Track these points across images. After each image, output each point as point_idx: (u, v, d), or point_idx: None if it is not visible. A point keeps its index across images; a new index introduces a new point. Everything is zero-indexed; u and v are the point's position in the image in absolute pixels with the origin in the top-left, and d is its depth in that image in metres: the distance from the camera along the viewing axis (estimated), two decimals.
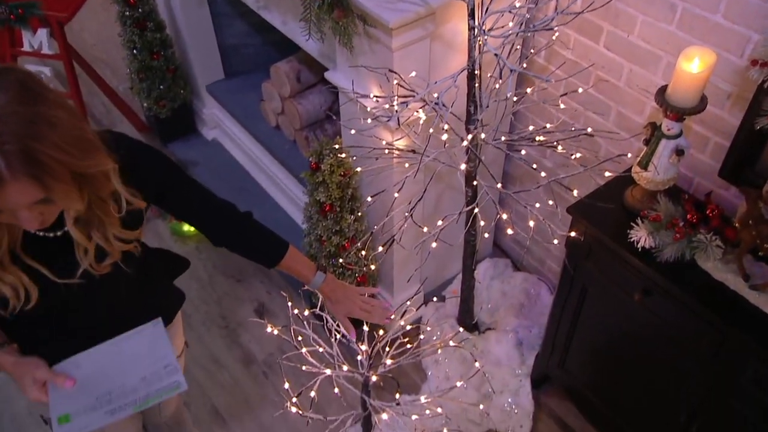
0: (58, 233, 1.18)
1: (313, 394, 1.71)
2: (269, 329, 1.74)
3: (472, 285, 2.39)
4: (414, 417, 1.77)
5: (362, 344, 1.70)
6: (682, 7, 1.69)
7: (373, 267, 2.13)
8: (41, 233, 1.17)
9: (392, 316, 1.61)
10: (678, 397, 1.80)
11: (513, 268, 2.86)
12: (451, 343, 1.89)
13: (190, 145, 3.46)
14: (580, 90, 1.87)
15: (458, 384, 1.90)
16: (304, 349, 1.74)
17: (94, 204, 1.13)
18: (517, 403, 2.39)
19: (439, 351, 2.52)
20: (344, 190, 2.10)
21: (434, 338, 2.56)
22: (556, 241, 1.81)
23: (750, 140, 1.67)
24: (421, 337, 1.96)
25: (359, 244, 2.14)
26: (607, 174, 1.78)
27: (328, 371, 1.72)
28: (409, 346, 1.78)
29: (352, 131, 1.93)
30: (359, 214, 2.20)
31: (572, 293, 1.98)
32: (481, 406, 2.32)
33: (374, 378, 1.69)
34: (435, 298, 2.62)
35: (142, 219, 1.26)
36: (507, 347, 2.51)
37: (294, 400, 1.77)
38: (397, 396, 1.75)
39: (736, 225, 1.55)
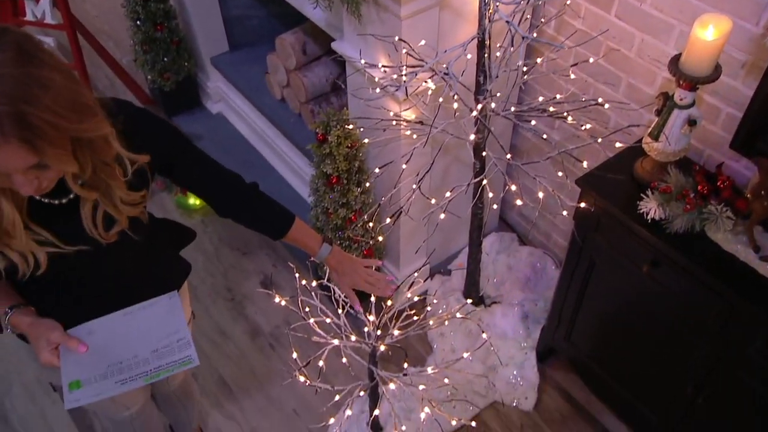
0: (64, 200, 1.17)
1: (321, 363, 1.71)
2: (277, 300, 1.74)
3: (478, 258, 2.39)
4: (421, 387, 1.78)
5: (370, 315, 1.70)
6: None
7: (380, 239, 2.11)
8: (47, 200, 1.16)
9: (396, 289, 1.60)
10: (684, 368, 1.80)
11: (519, 242, 2.86)
12: (458, 315, 1.89)
13: (195, 119, 3.44)
14: (591, 60, 1.84)
15: (465, 355, 1.91)
16: (311, 320, 1.74)
17: (98, 169, 1.12)
18: (523, 376, 2.40)
19: (446, 323, 2.52)
20: (351, 162, 2.09)
21: (440, 311, 2.56)
22: (565, 213, 1.79)
23: (764, 110, 1.63)
24: (428, 309, 1.95)
25: (366, 217, 2.13)
26: (617, 145, 1.76)
27: (335, 341, 1.73)
28: (415, 318, 1.79)
29: (361, 100, 1.91)
30: (366, 186, 2.18)
31: (580, 266, 1.97)
32: (489, 377, 2.33)
33: (382, 348, 1.69)
34: (446, 268, 2.63)
35: (148, 182, 1.25)
36: (512, 320, 2.51)
37: (302, 369, 1.76)
38: (405, 365, 1.75)
39: (748, 196, 1.54)
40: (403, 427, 1.84)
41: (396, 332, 1.73)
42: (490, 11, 1.61)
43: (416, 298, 1.72)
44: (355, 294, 1.62)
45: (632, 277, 1.81)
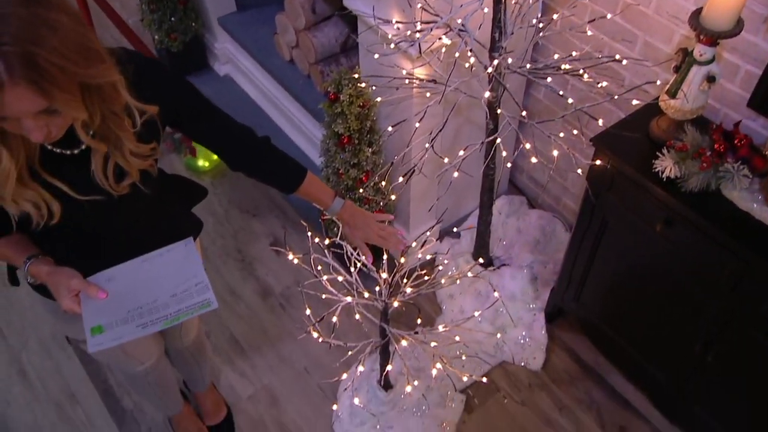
0: (75, 151, 1.17)
1: (334, 319, 1.72)
2: (290, 257, 1.74)
3: (488, 220, 2.38)
4: (433, 344, 1.79)
5: (383, 272, 1.70)
6: None
7: (393, 197, 2.10)
8: (58, 150, 1.15)
9: (407, 248, 1.60)
10: (695, 327, 1.81)
11: (528, 205, 2.85)
12: (469, 275, 1.89)
13: (203, 81, 3.41)
14: (608, 16, 1.80)
15: (475, 314, 1.92)
16: (324, 277, 1.74)
17: (107, 119, 1.11)
18: (531, 336, 2.41)
19: (458, 281, 2.53)
20: (363, 122, 2.07)
21: (450, 273, 2.56)
22: (579, 171, 1.78)
23: None
24: (439, 268, 1.96)
25: (378, 177, 2.11)
26: (634, 102, 1.74)
27: (348, 299, 1.73)
28: (426, 278, 1.78)
29: (373, 59, 1.88)
30: (378, 146, 2.17)
31: (592, 225, 1.96)
32: (499, 335, 2.34)
33: (395, 304, 1.70)
34: (456, 231, 2.62)
35: (158, 134, 1.24)
36: (521, 282, 2.51)
37: (315, 325, 1.77)
38: (419, 321, 1.76)
39: (766, 153, 1.52)
40: (415, 382, 1.86)
41: (408, 290, 1.73)
42: None
43: (428, 257, 1.71)
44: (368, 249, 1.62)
45: (645, 237, 1.80)
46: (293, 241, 2.78)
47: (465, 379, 2.15)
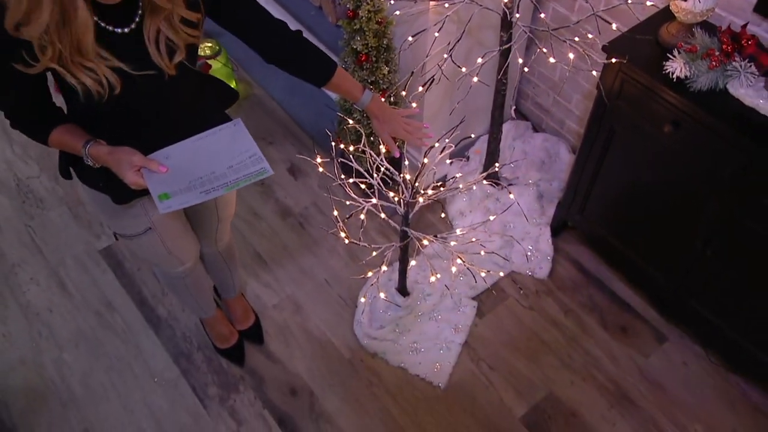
0: (127, 30, 1.17)
1: (362, 217, 1.74)
2: (318, 160, 1.75)
3: (498, 138, 2.38)
4: (453, 243, 1.82)
5: (406, 173, 1.71)
6: None
7: (414, 105, 2.06)
8: (111, 28, 1.16)
9: (430, 137, 1.59)
10: (695, 225, 1.84)
11: (533, 130, 2.85)
12: (484, 182, 1.91)
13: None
14: None
15: (491, 218, 1.94)
16: (351, 179, 1.76)
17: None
18: (537, 249, 2.44)
19: (464, 199, 2.55)
20: (380, 39, 2.05)
21: (461, 190, 2.58)
22: (595, 72, 1.77)
23: None
24: (459, 175, 1.97)
25: (397, 89, 2.08)
26: (648, 3, 1.71)
27: (373, 200, 1.75)
28: (442, 189, 1.79)
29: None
30: (394, 65, 2.15)
31: (600, 135, 1.97)
32: (507, 249, 2.37)
33: (420, 201, 1.71)
34: (465, 154, 2.63)
35: (201, 11, 1.24)
36: (528, 199, 2.53)
37: (342, 225, 1.79)
38: (442, 215, 1.77)
39: None
40: (438, 275, 1.88)
41: (429, 191, 1.75)
42: None
43: (452, 162, 1.71)
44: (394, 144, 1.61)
45: (651, 141, 1.81)
46: (309, 166, 2.79)
47: (482, 275, 2.16)
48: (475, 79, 1.78)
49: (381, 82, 2.15)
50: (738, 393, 2.11)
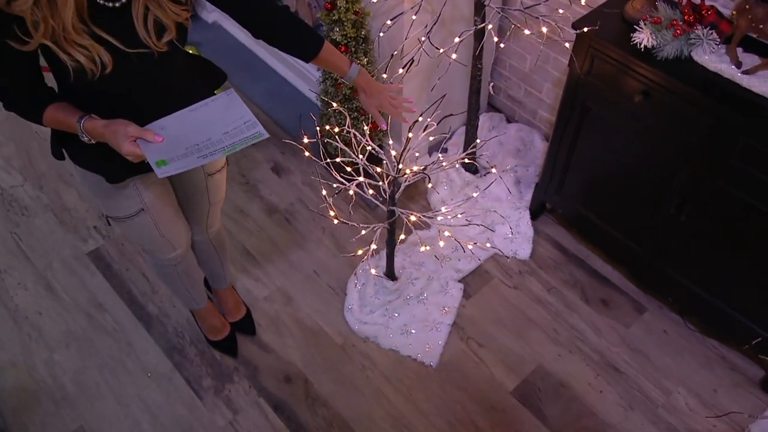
0: (117, 4, 1.17)
1: (351, 192, 1.73)
2: (305, 140, 1.75)
3: (476, 125, 2.41)
4: (440, 218, 1.82)
5: (392, 149, 1.72)
6: None
7: (401, 86, 2.04)
8: (101, 1, 1.15)
9: (414, 111, 1.60)
10: (669, 191, 1.87)
11: (507, 121, 2.88)
12: (467, 160, 1.92)
13: (191, 29, 3.34)
14: None
15: (474, 195, 1.95)
16: (338, 159, 1.76)
17: None
18: (518, 231, 2.46)
19: (454, 177, 2.56)
20: (358, 30, 2.07)
21: (443, 182, 2.59)
22: (568, 45, 1.80)
23: None
24: (440, 156, 1.98)
25: (378, 69, 2.09)
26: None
27: (360, 178, 1.75)
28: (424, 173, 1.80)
29: None
30: (371, 56, 2.16)
31: (573, 112, 2.00)
32: (488, 234, 2.37)
33: (407, 172, 1.71)
34: (443, 147, 2.64)
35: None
36: (507, 182, 2.56)
37: (330, 203, 1.78)
38: (429, 185, 1.76)
39: (733, 13, 1.57)
40: (427, 247, 1.88)
41: (414, 168, 1.76)
42: None
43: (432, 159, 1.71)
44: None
45: (623, 114, 1.85)
46: (293, 164, 2.78)
47: (469, 247, 2.16)
48: (454, 56, 1.80)
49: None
50: (715, 355, 2.14)
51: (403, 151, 1.69)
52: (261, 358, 2.15)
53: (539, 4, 1.88)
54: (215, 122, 1.23)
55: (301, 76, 3.01)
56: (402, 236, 2.14)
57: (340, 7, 1.99)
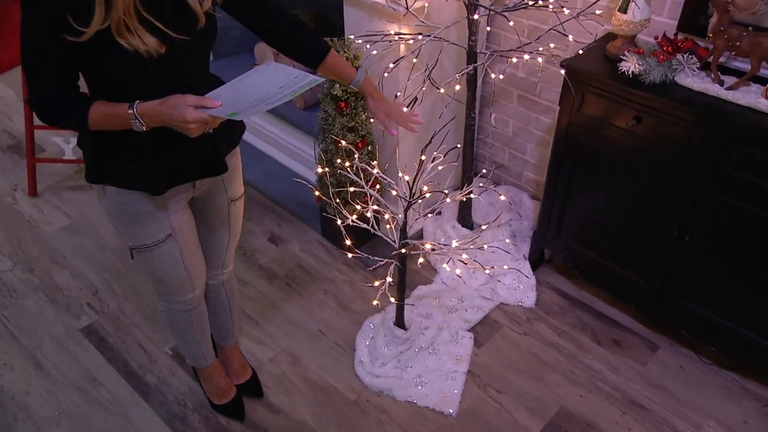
0: None
1: (369, 214, 1.69)
2: (319, 170, 1.72)
3: (471, 177, 2.43)
4: (454, 243, 1.77)
5: (405, 174, 1.70)
6: None
7: (385, 167, 2.07)
8: None
9: (421, 123, 1.59)
10: (669, 214, 1.87)
11: (494, 185, 2.92)
12: (475, 192, 1.90)
13: None
14: None
15: (483, 227, 1.92)
16: (351, 189, 1.72)
17: None
18: (520, 280, 2.41)
19: (452, 232, 2.53)
20: None
21: (439, 240, 2.57)
22: (561, 69, 1.86)
23: None
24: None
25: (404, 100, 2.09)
26: (598, 12, 1.86)
27: (374, 207, 1.71)
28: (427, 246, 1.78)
29: (363, 18, 1.97)
30: (369, 113, 2.21)
31: (567, 151, 2.04)
32: (492, 284, 2.31)
33: (417, 207, 1.68)
34: (436, 209, 2.63)
35: None
36: (503, 238, 2.54)
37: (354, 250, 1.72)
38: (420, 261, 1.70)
39: (710, 36, 1.67)
40: (448, 267, 1.80)
41: (428, 246, 1.73)
42: None
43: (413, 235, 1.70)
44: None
45: (617, 144, 1.89)
46: (289, 234, 2.73)
47: (486, 272, 2.08)
48: (457, 87, 1.84)
49: (360, 128, 2.20)
50: (736, 387, 2.05)
51: (417, 174, 1.68)
52: (271, 420, 1.97)
53: (530, 42, 1.97)
54: (268, 82, 1.18)
55: (293, 155, 3.05)
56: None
57: None
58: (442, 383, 2.04)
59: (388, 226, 1.90)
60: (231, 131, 1.48)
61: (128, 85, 1.22)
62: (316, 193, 1.99)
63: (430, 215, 2.67)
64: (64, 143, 3.04)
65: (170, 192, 1.42)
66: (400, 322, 2.11)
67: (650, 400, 2.01)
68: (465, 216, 2.56)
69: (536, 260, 2.47)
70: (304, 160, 2.99)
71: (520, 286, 2.40)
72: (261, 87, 1.17)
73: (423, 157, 1.67)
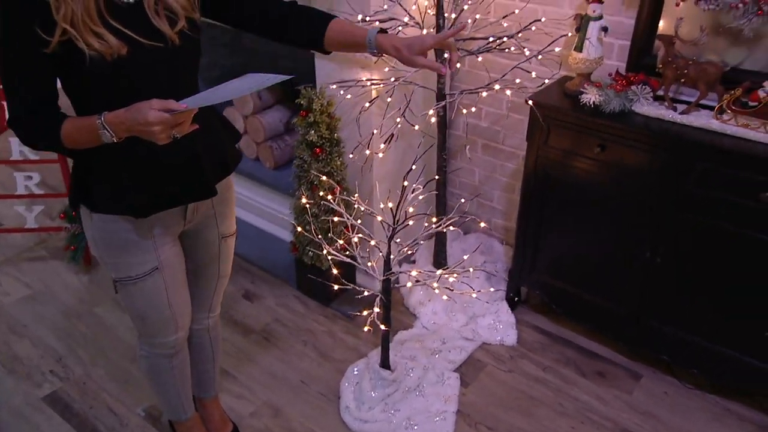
0: (131, 1, 1.19)
1: (356, 239, 1.67)
2: (304, 200, 1.71)
3: (444, 201, 2.44)
4: (438, 272, 1.76)
5: (388, 201, 1.71)
6: None
7: (361, 210, 2.03)
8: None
9: (450, 69, 1.33)
10: (638, 237, 1.93)
11: (464, 233, 2.96)
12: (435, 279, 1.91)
13: None
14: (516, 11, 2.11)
15: (465, 257, 1.93)
16: (334, 218, 1.71)
17: None
18: (500, 320, 2.40)
19: (422, 292, 2.51)
20: (332, 132, 2.17)
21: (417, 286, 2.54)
22: (530, 102, 1.94)
23: (644, 32, 1.96)
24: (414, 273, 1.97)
25: (361, 143, 2.09)
26: (557, 49, 1.98)
27: (356, 237, 1.70)
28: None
29: (334, 66, 2.04)
30: (342, 159, 2.23)
31: (537, 184, 2.10)
32: (472, 325, 2.29)
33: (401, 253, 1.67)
34: (410, 257, 2.64)
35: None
36: (479, 280, 2.54)
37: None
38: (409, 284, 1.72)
39: (660, 67, 1.80)
40: (437, 290, 1.76)
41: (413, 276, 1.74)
42: None
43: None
44: None
45: (584, 174, 1.97)
46: (264, 290, 2.67)
47: (473, 295, 2.04)
48: (433, 119, 1.90)
49: (335, 173, 2.22)
50: (720, 409, 2.05)
51: (400, 201, 1.69)
52: None
53: (499, 78, 2.06)
54: (240, 88, 1.15)
55: (263, 215, 3.03)
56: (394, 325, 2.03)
57: (315, 110, 2.11)
58: (432, 425, 1.96)
59: (369, 264, 1.89)
60: (221, 155, 1.42)
61: (104, 98, 1.19)
62: (294, 231, 1.97)
63: (405, 264, 2.68)
64: (26, 211, 2.94)
65: (158, 222, 1.38)
66: (385, 363, 2.05)
67: (640, 427, 1.98)
68: (440, 259, 2.57)
69: (513, 300, 2.47)
70: (276, 219, 2.97)
71: (499, 325, 2.38)
72: (232, 92, 1.15)
73: (405, 183, 1.69)
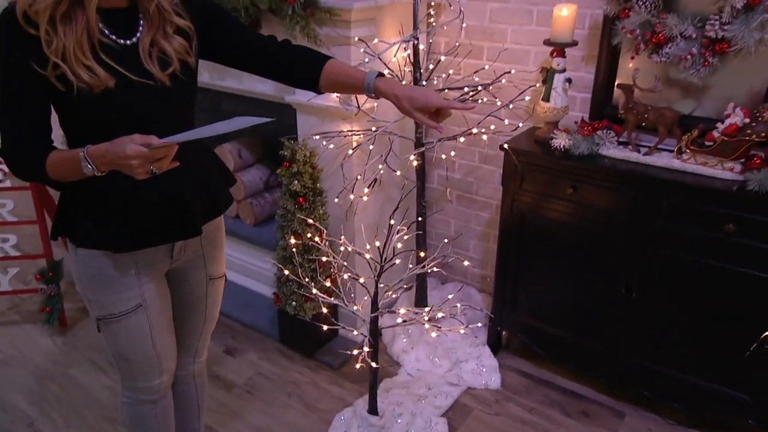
0: (128, 42, 1.23)
1: (346, 276, 1.68)
2: (293, 241, 1.72)
3: (425, 243, 2.47)
4: (427, 309, 1.77)
5: (376, 240, 1.74)
6: (537, 10, 2.21)
7: (350, 248, 2.08)
8: (114, 37, 1.21)
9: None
10: (614, 275, 1.99)
11: (441, 283, 2.99)
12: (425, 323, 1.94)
13: None
14: (486, 66, 2.24)
15: (450, 296, 1.95)
16: (325, 258, 1.73)
17: (162, 10, 1.24)
18: (483, 364, 2.40)
19: (410, 329, 2.51)
20: (315, 182, 2.22)
21: (400, 333, 2.54)
22: (506, 145, 2.03)
23: (603, 85, 2.11)
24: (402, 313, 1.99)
25: (345, 188, 2.12)
26: (527, 99, 2.09)
27: (346, 275, 1.72)
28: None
29: (315, 137, 2.12)
30: (325, 209, 2.27)
31: (513, 228, 2.17)
32: (456, 370, 2.28)
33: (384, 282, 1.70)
34: (391, 309, 2.64)
35: (191, 37, 1.31)
36: (460, 326, 2.55)
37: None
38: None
39: (622, 113, 1.93)
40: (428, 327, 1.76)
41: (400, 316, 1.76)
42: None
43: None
44: None
45: (558, 215, 2.05)
46: (245, 345, 2.62)
47: (461, 331, 2.03)
48: (415, 162, 1.96)
49: (318, 222, 2.25)
50: None
51: (388, 237, 1.72)
52: None
53: (480, 121, 2.15)
54: (223, 128, 1.15)
55: (244, 272, 3.01)
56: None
57: (299, 161, 2.16)
58: None
59: (355, 307, 1.89)
60: (212, 196, 1.43)
61: (93, 132, 1.19)
62: (278, 282, 1.97)
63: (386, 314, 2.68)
64: (0, 274, 2.86)
65: (142, 258, 1.36)
66: (373, 409, 2.01)
67: None
68: (422, 305, 2.57)
69: (495, 344, 2.48)
70: (256, 275, 2.96)
71: (483, 369, 2.37)
72: (216, 130, 1.15)
73: (392, 221, 1.73)
